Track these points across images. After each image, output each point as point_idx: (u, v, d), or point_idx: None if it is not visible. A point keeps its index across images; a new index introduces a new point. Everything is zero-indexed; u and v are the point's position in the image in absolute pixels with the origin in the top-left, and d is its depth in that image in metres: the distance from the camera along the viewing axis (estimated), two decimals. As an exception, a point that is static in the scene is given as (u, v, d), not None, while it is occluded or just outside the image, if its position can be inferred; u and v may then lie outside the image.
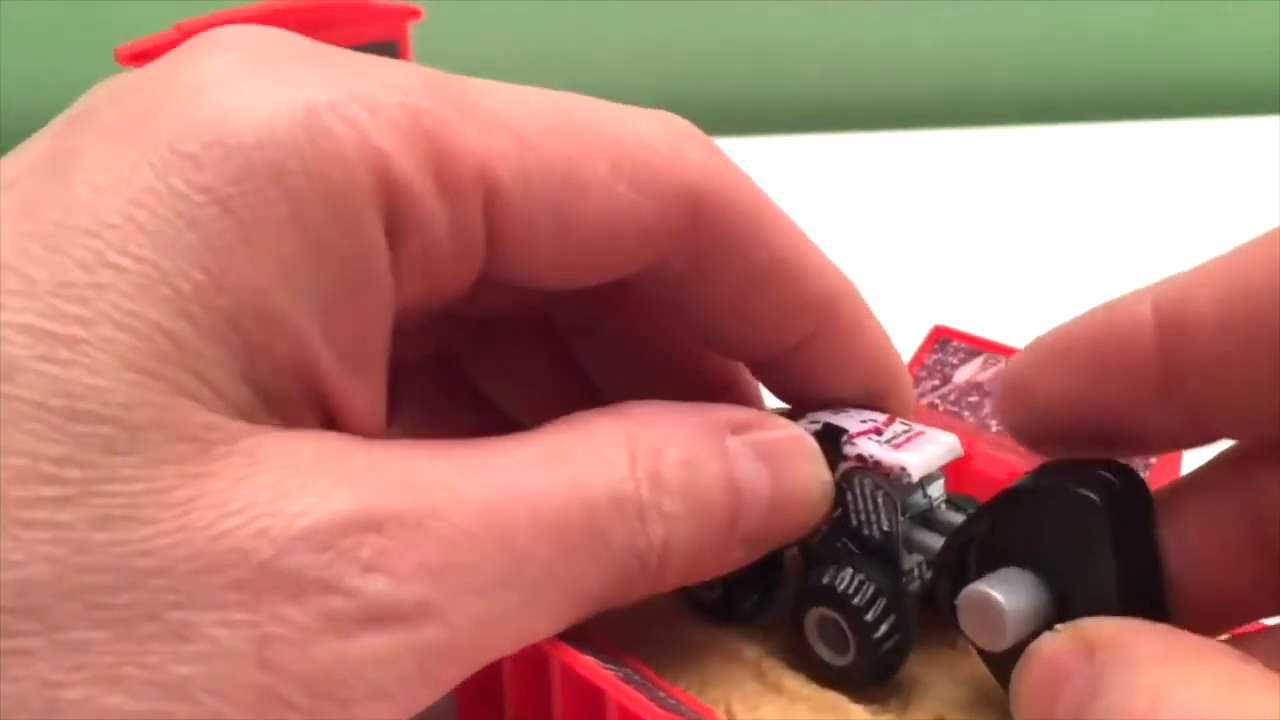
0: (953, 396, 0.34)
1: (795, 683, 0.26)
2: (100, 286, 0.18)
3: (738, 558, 0.25)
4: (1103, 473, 0.22)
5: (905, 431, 0.27)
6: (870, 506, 0.26)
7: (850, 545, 0.27)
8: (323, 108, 0.20)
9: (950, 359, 0.35)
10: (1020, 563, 0.23)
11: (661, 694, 0.25)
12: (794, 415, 0.28)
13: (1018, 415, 0.24)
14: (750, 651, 0.27)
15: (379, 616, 0.19)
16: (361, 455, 0.20)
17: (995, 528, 0.24)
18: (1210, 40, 0.87)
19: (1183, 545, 0.22)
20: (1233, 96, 0.86)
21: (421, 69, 0.22)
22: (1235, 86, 0.87)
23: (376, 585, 0.18)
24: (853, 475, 0.26)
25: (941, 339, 0.36)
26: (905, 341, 0.37)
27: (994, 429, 0.33)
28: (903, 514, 0.26)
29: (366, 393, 0.21)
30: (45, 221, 0.18)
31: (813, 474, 0.26)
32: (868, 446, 0.26)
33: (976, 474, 0.33)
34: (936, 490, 0.27)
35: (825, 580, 0.26)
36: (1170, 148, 0.77)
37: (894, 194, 0.69)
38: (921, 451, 0.26)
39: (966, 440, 0.33)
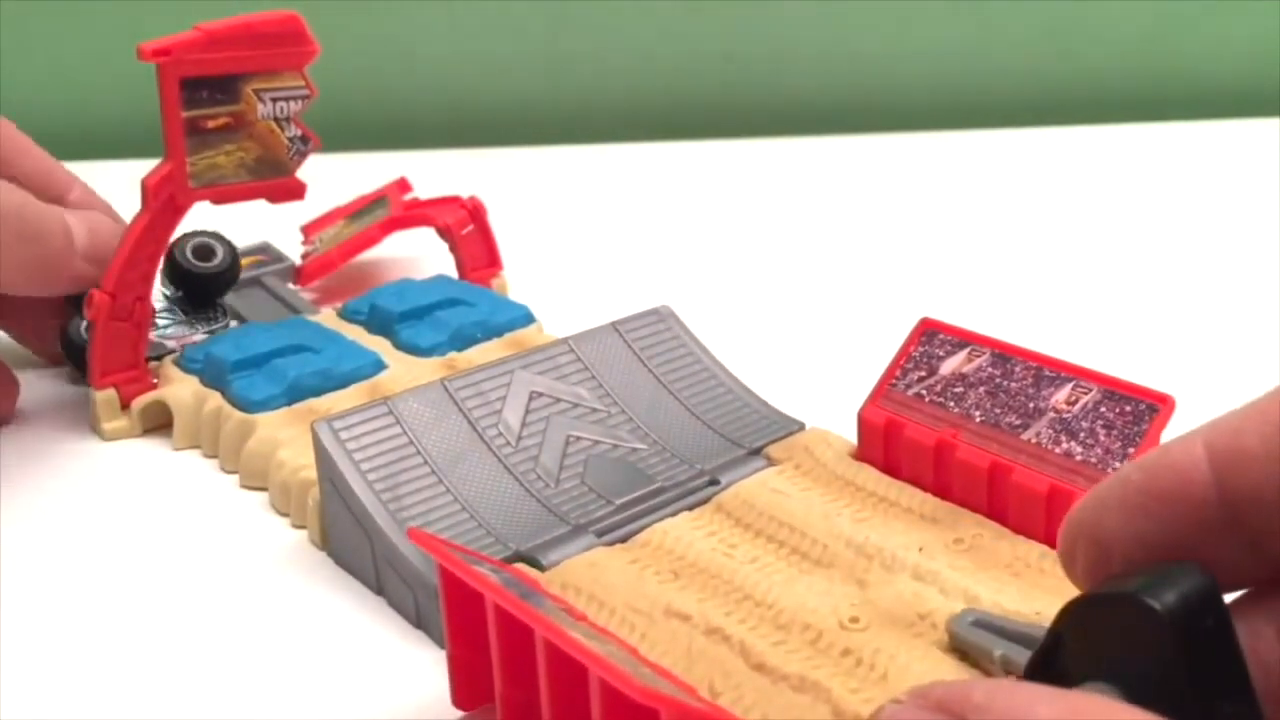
0: (939, 387, 0.35)
1: (777, 661, 0.27)
2: None
3: None
4: (1176, 575, 0.21)
5: None
6: None
7: None
8: None
9: (937, 351, 0.36)
10: (1104, 676, 0.22)
11: (644, 669, 0.25)
12: None
13: (1084, 562, 0.24)
14: (734, 630, 0.28)
15: None
16: None
17: (1076, 639, 0.22)
18: (1208, 44, 0.88)
19: (1264, 645, 0.22)
20: (1230, 99, 0.86)
21: None
22: (1233, 90, 0.87)
23: None
24: None
25: (929, 331, 0.36)
26: (895, 333, 0.38)
27: (978, 419, 0.34)
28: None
29: None
30: None
31: None
32: None
33: (961, 464, 0.33)
34: None
35: None
36: (1168, 150, 0.77)
37: (888, 194, 0.70)
38: None
39: (950, 430, 0.34)
